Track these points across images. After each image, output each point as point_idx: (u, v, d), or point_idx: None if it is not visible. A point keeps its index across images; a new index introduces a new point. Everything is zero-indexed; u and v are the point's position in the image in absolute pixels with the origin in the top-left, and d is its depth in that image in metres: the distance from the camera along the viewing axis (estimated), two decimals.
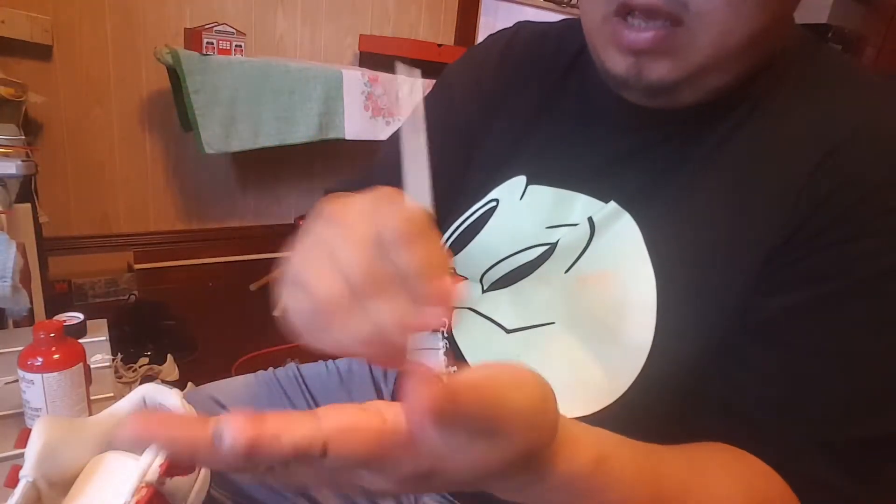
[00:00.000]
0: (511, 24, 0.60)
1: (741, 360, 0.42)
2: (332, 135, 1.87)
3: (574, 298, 0.47)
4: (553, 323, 0.48)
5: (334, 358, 0.72)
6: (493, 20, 2.61)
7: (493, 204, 0.54)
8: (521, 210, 0.52)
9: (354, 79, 1.86)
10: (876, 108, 0.42)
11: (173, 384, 1.59)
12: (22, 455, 0.35)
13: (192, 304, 1.89)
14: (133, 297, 1.88)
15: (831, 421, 0.39)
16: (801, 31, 0.47)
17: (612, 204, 0.47)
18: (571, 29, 0.56)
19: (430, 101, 0.62)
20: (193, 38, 1.67)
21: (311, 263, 0.29)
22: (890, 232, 0.38)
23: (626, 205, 0.47)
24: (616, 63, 0.42)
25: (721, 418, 0.43)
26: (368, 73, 1.90)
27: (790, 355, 0.40)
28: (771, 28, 0.40)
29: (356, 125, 1.91)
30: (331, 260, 0.28)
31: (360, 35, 2.14)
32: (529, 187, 0.53)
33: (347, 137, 1.90)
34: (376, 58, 2.07)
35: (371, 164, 0.63)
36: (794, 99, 0.44)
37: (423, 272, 0.27)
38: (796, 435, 0.40)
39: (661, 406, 0.45)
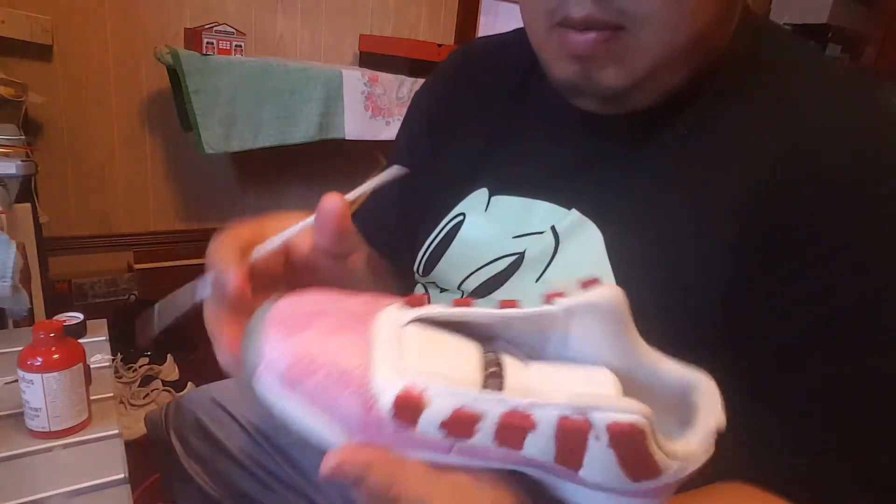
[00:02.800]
0: (510, 28, 0.61)
1: (756, 394, 0.40)
2: (332, 135, 1.87)
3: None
4: None
5: None
6: (493, 20, 2.61)
7: (460, 218, 0.54)
8: (486, 221, 0.52)
9: (354, 79, 1.86)
10: (845, 102, 0.41)
11: (173, 384, 1.59)
12: None
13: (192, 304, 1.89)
14: (133, 297, 1.88)
15: (859, 446, 0.38)
16: (763, 24, 0.46)
17: (575, 212, 0.46)
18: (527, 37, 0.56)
19: (402, 126, 0.66)
20: (193, 38, 1.67)
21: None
22: (877, 241, 0.37)
23: (589, 213, 0.46)
24: (564, 70, 0.42)
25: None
26: (368, 73, 1.90)
27: (804, 384, 0.39)
28: (715, 25, 0.40)
29: (356, 125, 1.91)
30: None
31: (360, 35, 2.14)
32: (493, 198, 0.53)
33: (347, 137, 1.90)
34: (376, 58, 2.07)
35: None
36: (751, 97, 0.43)
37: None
38: (824, 465, 0.38)
39: None
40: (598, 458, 0.27)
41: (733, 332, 0.40)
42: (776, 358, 0.40)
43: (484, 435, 0.27)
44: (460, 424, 0.27)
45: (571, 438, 0.26)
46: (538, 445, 0.27)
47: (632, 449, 0.26)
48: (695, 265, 0.41)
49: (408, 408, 0.27)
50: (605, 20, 0.38)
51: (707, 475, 0.40)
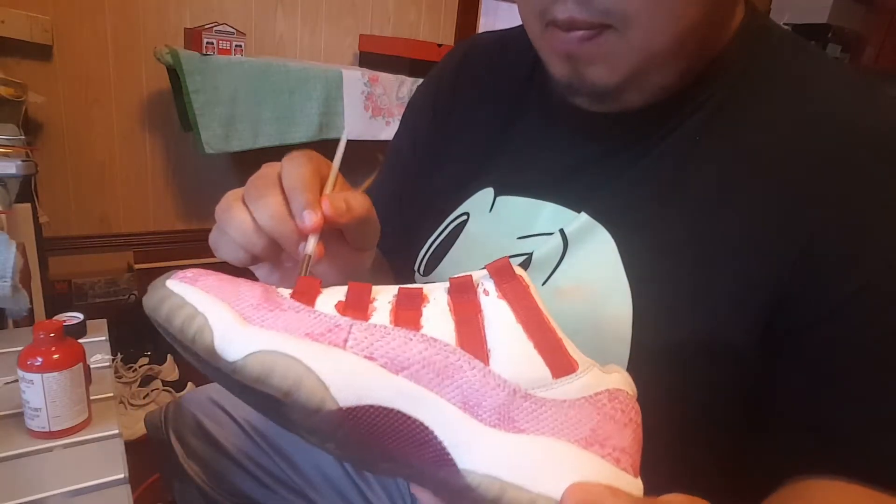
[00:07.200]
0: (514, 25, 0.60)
1: (795, 393, 0.41)
2: (331, 135, 1.87)
3: (552, 311, 0.47)
4: None
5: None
6: (493, 20, 2.61)
7: (464, 218, 0.54)
8: (491, 222, 0.52)
9: (354, 79, 1.86)
10: (866, 107, 0.41)
11: (173, 384, 1.59)
12: None
13: None
14: (133, 297, 1.88)
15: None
16: (768, 24, 0.46)
17: (584, 216, 0.46)
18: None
19: (402, 124, 0.66)
20: (193, 38, 1.67)
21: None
22: None
23: (600, 217, 0.45)
24: (557, 69, 0.43)
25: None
26: (368, 73, 1.89)
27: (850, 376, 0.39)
28: (704, 26, 0.40)
29: (356, 125, 1.90)
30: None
31: (360, 35, 2.14)
32: (498, 199, 0.52)
33: (347, 137, 1.89)
34: (376, 58, 2.07)
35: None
36: (766, 101, 0.43)
37: (293, 183, 0.37)
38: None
39: (647, 423, 0.44)
40: (497, 320, 0.27)
41: (766, 337, 0.40)
42: (816, 357, 0.40)
43: (380, 315, 0.27)
44: (356, 302, 0.27)
45: (463, 293, 0.28)
46: (435, 318, 0.27)
47: (524, 302, 0.27)
48: (722, 273, 0.41)
49: (306, 292, 0.28)
50: (588, 21, 0.39)
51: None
